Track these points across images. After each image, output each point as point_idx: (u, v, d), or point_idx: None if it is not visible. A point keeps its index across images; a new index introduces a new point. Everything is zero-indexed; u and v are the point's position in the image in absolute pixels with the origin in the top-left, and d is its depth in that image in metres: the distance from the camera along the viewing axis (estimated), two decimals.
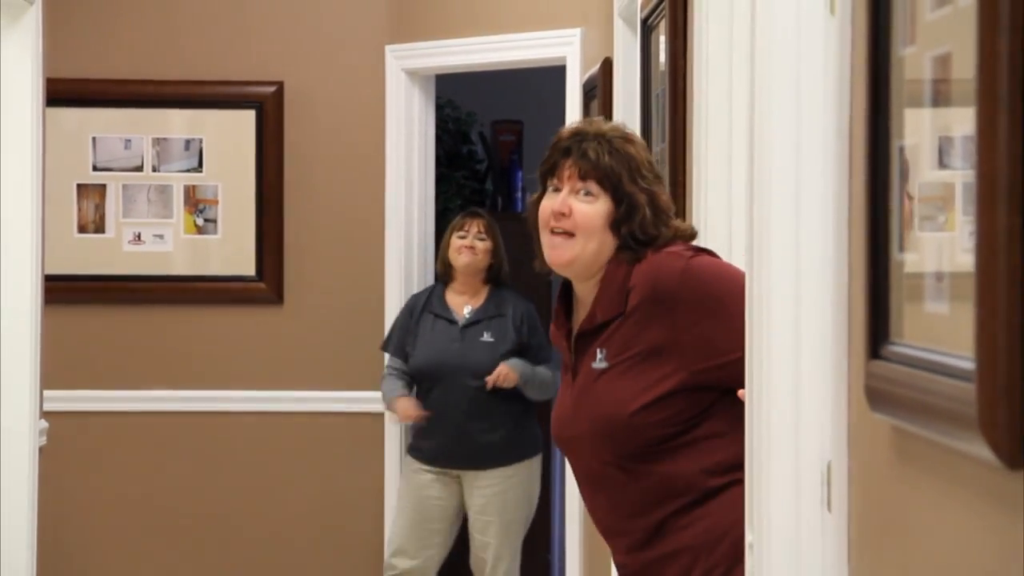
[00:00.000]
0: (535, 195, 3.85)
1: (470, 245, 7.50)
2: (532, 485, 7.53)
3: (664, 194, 3.85)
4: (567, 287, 3.89)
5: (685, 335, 3.70)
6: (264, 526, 7.95)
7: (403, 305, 7.66)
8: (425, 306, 7.54)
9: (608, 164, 3.75)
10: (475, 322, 7.48)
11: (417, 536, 7.52)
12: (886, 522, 2.67)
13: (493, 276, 7.58)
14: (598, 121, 3.94)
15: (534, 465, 7.53)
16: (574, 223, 3.74)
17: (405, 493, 7.56)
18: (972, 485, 2.20)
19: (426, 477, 7.50)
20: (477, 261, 7.50)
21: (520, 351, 7.43)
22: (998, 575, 2.11)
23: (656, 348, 3.70)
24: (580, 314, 3.85)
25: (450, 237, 7.56)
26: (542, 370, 7.41)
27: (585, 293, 3.84)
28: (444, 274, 7.59)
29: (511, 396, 7.39)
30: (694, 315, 3.70)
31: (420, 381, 7.47)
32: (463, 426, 7.38)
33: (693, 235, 3.88)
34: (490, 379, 7.33)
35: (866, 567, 2.80)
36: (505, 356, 7.38)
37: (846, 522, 2.91)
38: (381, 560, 7.77)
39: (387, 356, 7.62)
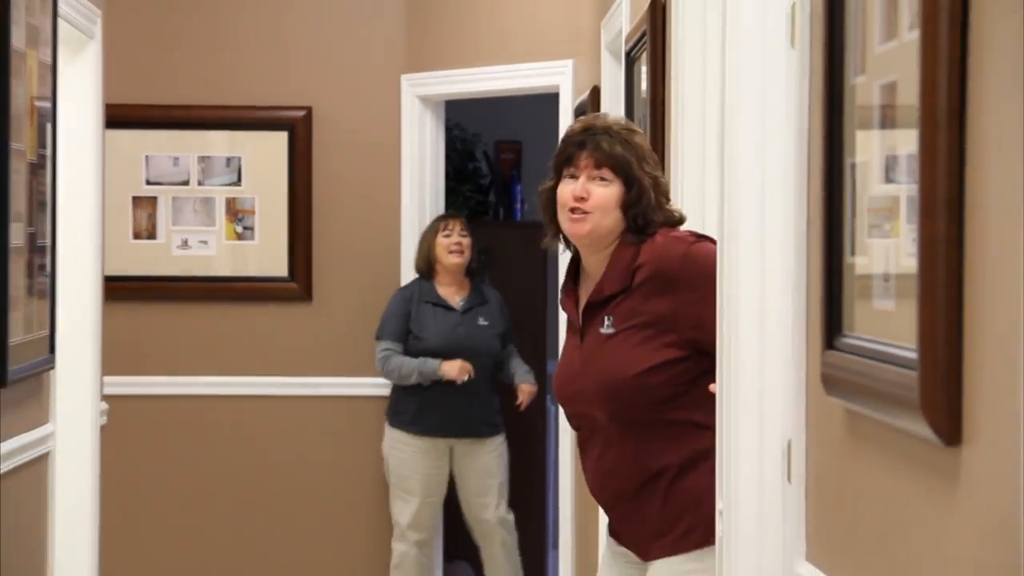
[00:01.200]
0: (548, 183, 3.88)
1: (457, 243, 7.51)
2: (505, 454, 7.63)
3: (663, 178, 3.92)
4: (575, 261, 3.92)
5: (683, 310, 3.74)
6: (293, 492, 7.95)
7: (394, 299, 7.61)
8: (420, 297, 7.53)
9: (620, 153, 3.81)
10: (469, 308, 7.53)
11: (427, 509, 7.53)
12: (839, 492, 2.66)
13: (472, 269, 7.63)
14: (604, 116, 3.98)
15: (504, 438, 7.62)
16: (593, 204, 3.79)
17: (412, 468, 7.52)
18: (914, 459, 2.20)
19: (424, 452, 7.47)
20: (464, 261, 7.53)
21: (506, 332, 7.54)
22: (937, 537, 2.11)
23: (658, 319, 3.74)
24: (588, 285, 3.89)
25: (435, 237, 7.54)
26: (525, 367, 7.68)
27: (593, 267, 3.87)
28: (427, 270, 7.57)
29: (493, 376, 7.49)
30: (692, 294, 3.74)
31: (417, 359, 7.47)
32: (466, 399, 7.41)
33: (682, 219, 3.92)
34: (522, 395, 7.62)
35: (821, 531, 2.80)
36: (498, 336, 7.51)
37: (804, 492, 2.91)
38: (389, 520, 7.75)
39: (382, 342, 7.54)
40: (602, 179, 3.81)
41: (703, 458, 3.73)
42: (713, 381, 3.68)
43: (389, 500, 7.64)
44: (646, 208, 3.80)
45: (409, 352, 7.46)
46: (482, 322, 7.49)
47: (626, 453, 3.82)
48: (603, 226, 3.80)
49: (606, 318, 3.80)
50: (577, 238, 3.86)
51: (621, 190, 3.80)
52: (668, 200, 3.88)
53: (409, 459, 7.52)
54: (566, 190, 3.83)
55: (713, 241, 3.90)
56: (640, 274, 3.77)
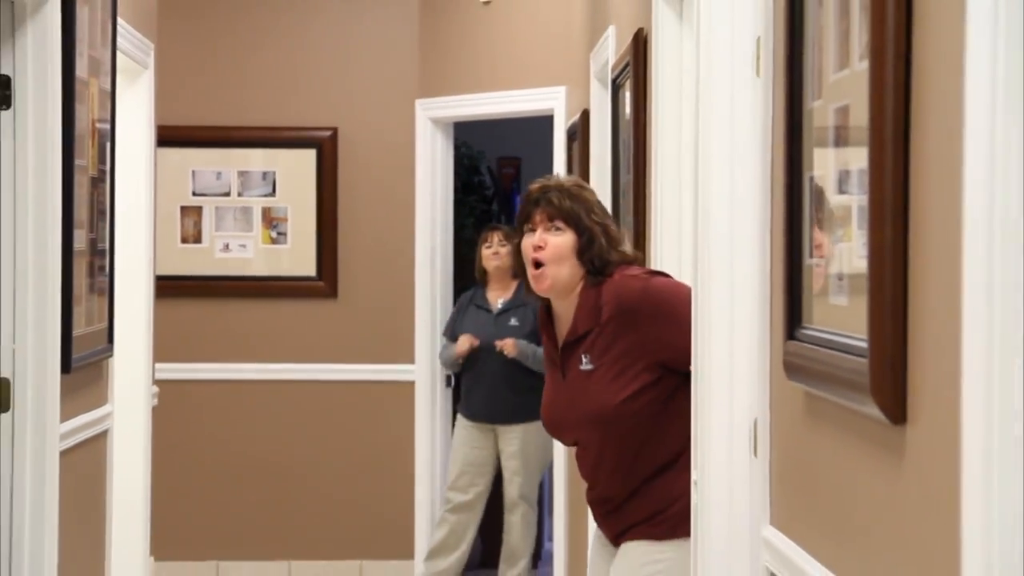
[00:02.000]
0: (515, 240, 3.89)
1: (495, 252, 7.56)
2: (539, 438, 7.56)
3: (613, 226, 3.89)
4: (548, 307, 3.91)
5: (649, 339, 3.74)
6: (321, 467, 7.96)
7: (457, 302, 7.77)
8: (471, 300, 7.66)
9: (569, 206, 3.81)
10: (505, 311, 7.56)
11: (467, 475, 7.58)
12: (799, 464, 2.67)
13: (518, 272, 7.61)
14: (556, 176, 4.00)
15: (540, 425, 7.58)
16: (548, 253, 3.79)
17: (457, 445, 7.63)
18: (865, 436, 2.20)
19: (471, 430, 7.59)
20: (503, 264, 7.54)
21: (535, 333, 7.50)
22: (885, 504, 2.11)
23: (628, 350, 3.74)
24: (562, 327, 3.88)
25: (480, 250, 7.66)
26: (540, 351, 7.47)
27: (563, 311, 3.86)
28: (482, 278, 7.66)
29: (528, 373, 7.46)
30: (654, 324, 3.74)
31: (468, 356, 7.52)
32: (496, 389, 7.45)
33: (636, 258, 3.92)
34: (498, 343, 7.43)
35: (783, 499, 2.80)
36: (526, 335, 7.46)
37: (768, 465, 2.91)
38: (411, 490, 7.80)
39: (443, 339, 7.77)
40: (556, 229, 3.81)
41: (678, 460, 3.74)
42: (680, 398, 3.71)
43: None
44: (599, 252, 3.79)
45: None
46: (513, 322, 7.52)
47: (620, 466, 3.83)
48: (561, 277, 3.80)
49: (583, 356, 3.80)
50: (542, 293, 3.86)
51: (574, 238, 3.79)
52: (619, 244, 3.87)
53: (460, 437, 7.64)
54: (527, 243, 3.85)
55: (665, 275, 3.93)
56: (605, 311, 3.77)
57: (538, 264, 3.80)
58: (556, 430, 4.03)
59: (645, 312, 3.74)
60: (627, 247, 3.94)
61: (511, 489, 7.58)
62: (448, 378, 8.01)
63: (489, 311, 7.57)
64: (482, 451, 7.56)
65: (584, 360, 3.79)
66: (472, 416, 7.57)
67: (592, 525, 4.11)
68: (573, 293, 3.82)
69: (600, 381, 3.77)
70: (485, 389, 7.50)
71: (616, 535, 3.86)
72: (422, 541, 7.89)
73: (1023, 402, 1.64)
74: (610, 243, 3.82)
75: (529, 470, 7.55)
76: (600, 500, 3.91)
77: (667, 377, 3.76)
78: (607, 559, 3.93)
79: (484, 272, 7.63)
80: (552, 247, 3.79)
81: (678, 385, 3.75)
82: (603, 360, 3.76)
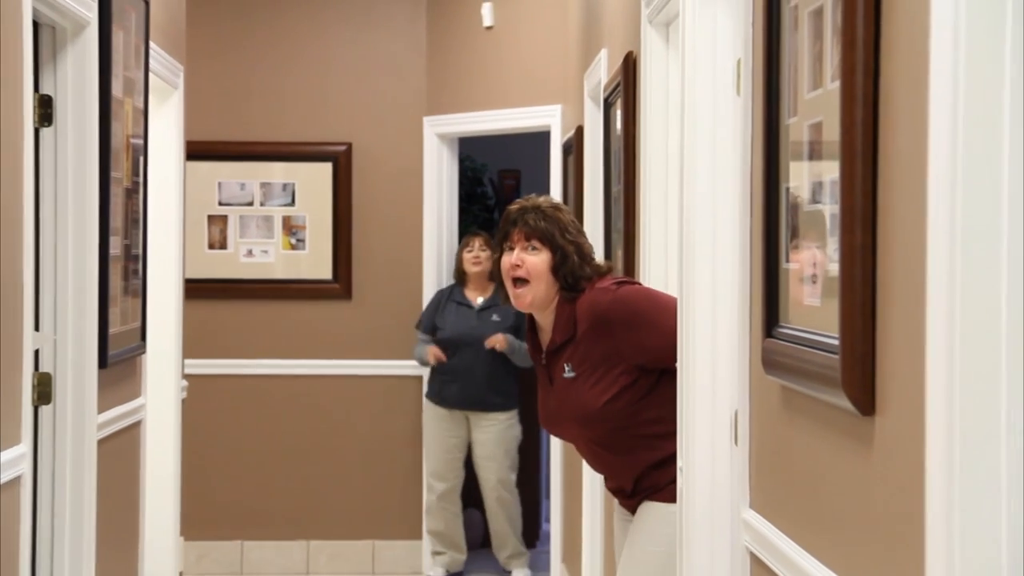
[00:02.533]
0: (496, 256, 3.90)
1: (476, 256, 7.54)
2: (513, 428, 7.57)
3: (586, 243, 3.88)
4: (531, 318, 3.92)
5: (623, 344, 3.75)
6: (336, 454, 7.95)
7: (431, 299, 7.69)
8: (449, 298, 7.59)
9: (544, 227, 3.81)
10: (486, 308, 7.53)
11: (445, 463, 7.55)
12: (776, 452, 2.66)
13: (494, 276, 7.61)
14: (534, 198, 3.94)
15: (515, 415, 7.58)
16: (526, 270, 3.80)
17: (433, 433, 7.58)
18: (837, 426, 2.20)
19: (446, 419, 7.54)
20: (484, 268, 7.54)
21: (516, 327, 7.50)
22: (855, 489, 2.11)
23: (605, 357, 3.75)
24: (544, 337, 3.88)
25: (462, 253, 7.63)
26: (524, 346, 7.49)
27: (545, 322, 3.86)
28: (459, 278, 7.62)
29: (506, 362, 7.46)
30: (626, 329, 3.75)
31: (448, 347, 7.49)
32: (474, 380, 7.43)
33: (609, 269, 3.93)
34: (489, 341, 7.38)
35: (762, 484, 2.80)
36: (507, 330, 7.43)
37: (748, 453, 2.91)
38: (419, 474, 7.79)
39: (417, 332, 7.65)
40: (533, 248, 3.81)
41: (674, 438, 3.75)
42: (659, 393, 3.72)
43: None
44: (572, 268, 3.79)
45: (436, 341, 7.51)
46: (495, 318, 7.50)
47: (615, 461, 3.84)
48: (540, 293, 3.80)
49: (565, 365, 3.80)
50: (521, 308, 3.86)
51: (548, 256, 3.80)
52: (591, 259, 3.85)
53: (433, 425, 7.56)
54: (506, 260, 3.85)
55: (633, 283, 3.94)
56: (580, 325, 3.77)
57: (517, 282, 3.80)
58: (553, 430, 4.05)
59: (617, 321, 3.75)
60: (599, 261, 3.93)
61: (488, 475, 7.55)
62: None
63: (471, 307, 7.55)
64: (457, 438, 7.56)
65: (567, 368, 3.80)
66: (448, 404, 7.52)
67: (615, 501, 4.12)
68: (551, 306, 3.82)
69: (583, 387, 3.77)
70: (463, 380, 7.46)
71: (635, 508, 3.88)
72: None
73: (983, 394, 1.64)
74: (583, 260, 3.81)
75: (503, 456, 7.54)
76: (616, 490, 3.95)
77: (644, 376, 3.77)
78: (622, 526, 3.97)
79: (463, 274, 7.61)
80: (529, 265, 3.80)
81: (657, 379, 3.75)
82: (583, 368, 3.78)
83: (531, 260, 3.80)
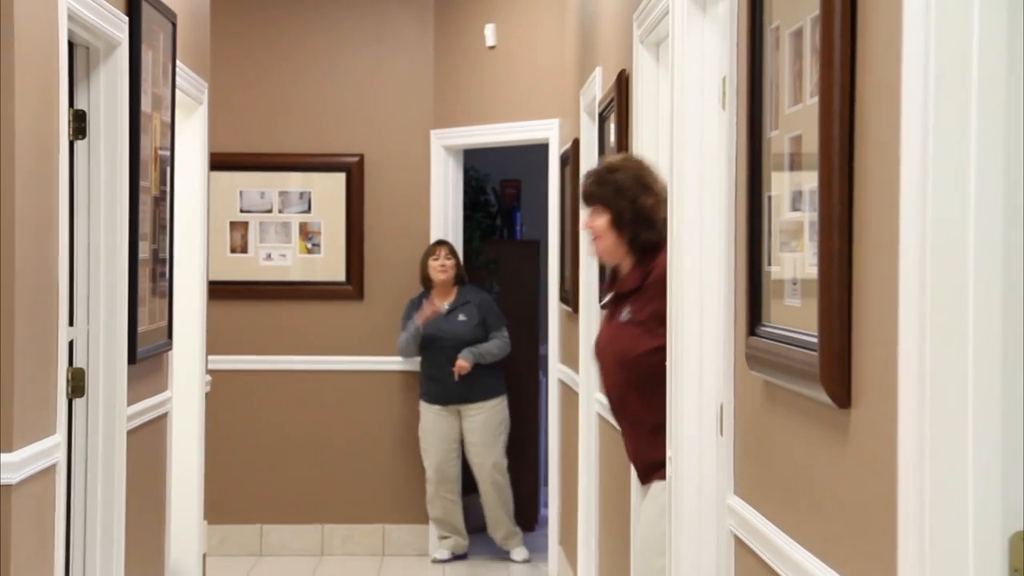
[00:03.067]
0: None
1: (442, 264, 7.56)
2: (503, 413, 7.57)
3: (648, 201, 3.87)
4: (615, 268, 4.00)
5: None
6: (348, 444, 7.95)
7: (407, 304, 7.71)
8: (419, 304, 7.60)
9: (596, 191, 3.90)
10: (452, 310, 7.55)
11: (443, 455, 7.56)
12: (758, 443, 2.67)
13: (459, 280, 7.65)
14: (603, 159, 4.07)
15: (502, 401, 7.58)
16: (594, 230, 3.91)
17: (429, 428, 7.59)
18: (815, 418, 2.20)
19: (440, 414, 7.56)
20: (449, 277, 7.56)
21: (482, 323, 7.48)
22: (832, 476, 2.11)
23: (655, 315, 3.79)
24: (620, 283, 3.96)
25: (427, 260, 7.65)
26: (487, 346, 7.52)
27: (623, 270, 3.93)
28: (426, 285, 7.64)
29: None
30: None
31: (423, 348, 7.54)
32: (450, 376, 7.45)
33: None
34: (455, 371, 7.43)
35: (745, 472, 2.80)
36: (474, 327, 7.47)
37: (732, 443, 2.91)
38: (418, 462, 7.79)
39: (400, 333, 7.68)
40: (593, 211, 3.91)
41: None
42: None
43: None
44: (632, 225, 3.84)
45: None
46: (461, 318, 7.54)
47: (636, 407, 3.84)
48: (608, 246, 3.89)
49: (625, 309, 3.87)
50: (598, 258, 4.06)
51: (607, 216, 3.87)
52: (651, 217, 3.86)
53: (428, 421, 7.58)
54: (582, 220, 4.00)
55: None
56: (651, 277, 3.84)
57: (594, 239, 3.92)
58: (598, 361, 4.07)
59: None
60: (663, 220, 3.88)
61: (483, 461, 7.56)
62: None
63: (438, 312, 7.58)
64: (450, 430, 7.58)
65: (625, 313, 3.86)
66: (438, 401, 7.55)
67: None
68: (626, 259, 3.88)
69: (631, 332, 3.84)
70: (443, 378, 7.50)
71: (640, 474, 3.91)
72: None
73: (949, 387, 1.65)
74: (638, 217, 3.84)
75: (493, 441, 7.56)
76: (631, 457, 3.96)
77: None
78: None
79: (429, 281, 7.62)
80: (592, 226, 3.91)
81: None
82: (638, 317, 3.83)
83: (594, 221, 3.90)
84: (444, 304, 7.58)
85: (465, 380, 7.48)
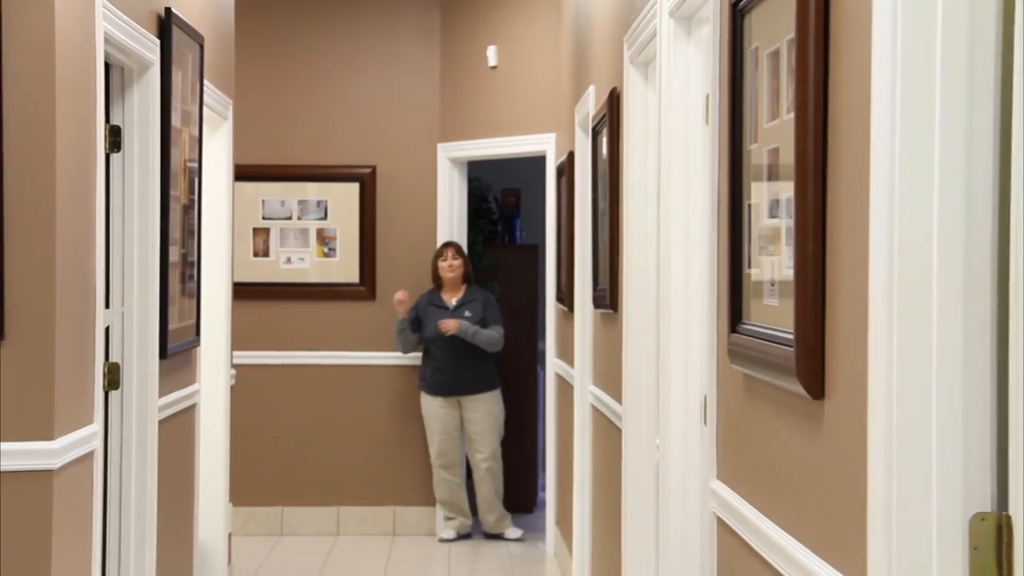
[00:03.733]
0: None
1: (450, 264, 7.56)
2: (497, 405, 7.55)
3: None
4: None
5: None
6: (363, 432, 7.95)
7: (416, 301, 7.69)
8: (429, 301, 7.62)
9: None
10: (459, 306, 7.56)
11: (447, 443, 7.57)
12: (739, 432, 2.67)
13: (466, 278, 7.64)
14: None
15: (498, 393, 7.57)
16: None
17: (433, 420, 7.58)
18: (791, 409, 2.20)
19: (443, 406, 7.56)
20: (457, 275, 7.56)
21: (482, 320, 7.50)
22: (807, 462, 2.11)
23: None
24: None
25: (436, 261, 7.64)
26: (486, 332, 7.48)
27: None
28: (437, 283, 7.64)
29: (479, 353, 7.45)
30: None
31: (431, 343, 7.53)
32: (456, 368, 7.48)
33: None
34: (441, 324, 7.42)
35: (727, 459, 2.80)
36: (478, 323, 7.46)
37: (715, 431, 2.91)
38: (426, 449, 7.79)
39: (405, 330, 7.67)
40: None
41: None
42: None
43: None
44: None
45: (422, 338, 7.56)
46: (467, 314, 7.54)
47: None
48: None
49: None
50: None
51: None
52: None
53: (430, 411, 7.58)
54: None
55: None
56: None
57: None
58: None
59: None
60: None
61: (481, 448, 7.56)
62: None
63: (446, 308, 7.58)
64: (453, 420, 7.58)
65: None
66: (440, 393, 7.53)
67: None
68: None
69: None
70: (448, 370, 7.49)
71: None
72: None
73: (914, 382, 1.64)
74: None
75: (491, 431, 7.56)
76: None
77: None
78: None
79: (439, 280, 7.62)
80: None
81: None
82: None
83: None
84: (452, 300, 7.58)
85: (464, 373, 7.46)
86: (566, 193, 6.53)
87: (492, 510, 7.64)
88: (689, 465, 3.61)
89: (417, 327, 7.60)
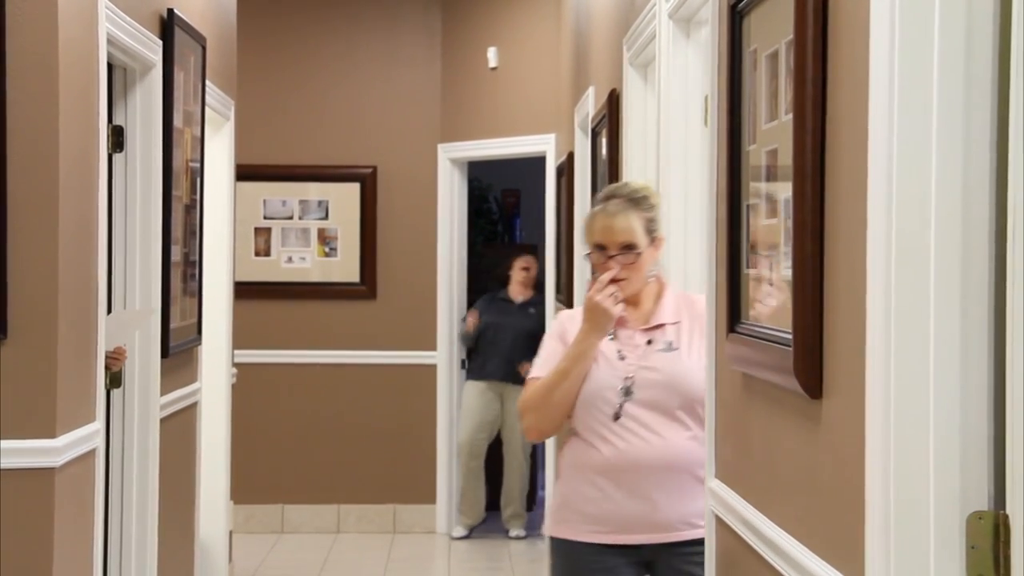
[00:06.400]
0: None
1: (526, 267, 7.84)
2: None
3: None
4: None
5: None
6: (362, 431, 7.95)
7: (476, 306, 7.86)
8: (493, 299, 7.83)
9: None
10: (524, 304, 7.76)
11: (481, 431, 7.67)
12: (737, 431, 2.66)
13: (535, 284, 7.85)
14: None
15: None
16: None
17: (471, 406, 7.67)
18: (790, 408, 2.20)
19: (485, 393, 7.69)
20: (531, 276, 7.82)
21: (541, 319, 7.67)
22: (805, 461, 2.11)
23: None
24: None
25: (512, 262, 7.87)
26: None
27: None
28: (503, 283, 7.83)
29: (533, 346, 7.48)
30: None
31: (491, 330, 7.69)
32: (509, 357, 7.62)
33: None
34: (468, 316, 7.77)
35: (726, 457, 2.80)
36: (536, 322, 7.56)
37: (714, 431, 2.91)
38: (433, 449, 7.81)
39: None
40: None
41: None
42: None
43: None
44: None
45: (485, 325, 7.75)
46: (531, 311, 7.71)
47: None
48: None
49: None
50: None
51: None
52: None
53: (471, 398, 7.72)
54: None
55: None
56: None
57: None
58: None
59: None
60: None
61: (514, 442, 7.66)
62: (462, 362, 8.02)
63: (512, 302, 7.78)
64: (491, 412, 7.67)
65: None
66: (487, 377, 7.67)
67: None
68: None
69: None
70: (500, 357, 7.63)
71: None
72: (443, 490, 7.89)
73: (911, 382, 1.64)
74: None
75: None
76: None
77: None
78: None
79: (507, 280, 7.82)
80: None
81: None
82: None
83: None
84: (518, 298, 7.82)
85: (513, 363, 7.56)
86: (566, 193, 6.53)
87: (511, 503, 7.71)
88: None
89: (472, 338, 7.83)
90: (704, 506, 2.91)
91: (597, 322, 3.03)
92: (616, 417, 3.03)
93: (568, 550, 3.05)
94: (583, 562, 3.02)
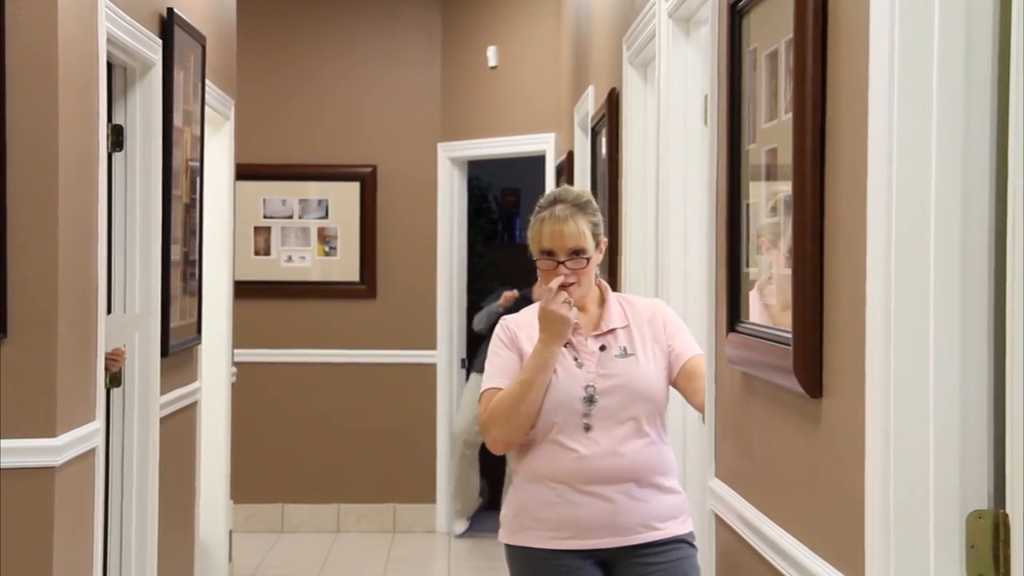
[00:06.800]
0: None
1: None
2: None
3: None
4: None
5: None
6: (362, 430, 7.95)
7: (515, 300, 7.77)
8: (521, 302, 7.79)
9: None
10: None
11: (477, 416, 7.65)
12: (738, 430, 2.66)
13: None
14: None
15: None
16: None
17: (471, 394, 7.58)
18: (789, 408, 2.20)
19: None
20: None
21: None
22: (805, 461, 2.11)
23: None
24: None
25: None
26: None
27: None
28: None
29: None
30: None
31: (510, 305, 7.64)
32: None
33: None
34: (506, 292, 7.60)
35: (726, 457, 2.80)
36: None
37: (714, 430, 2.91)
38: (433, 448, 7.80)
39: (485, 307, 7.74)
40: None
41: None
42: None
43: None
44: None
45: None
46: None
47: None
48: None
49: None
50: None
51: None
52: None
53: (471, 389, 7.61)
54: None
55: None
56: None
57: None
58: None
59: None
60: None
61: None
62: (462, 361, 8.02)
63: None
64: None
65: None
66: None
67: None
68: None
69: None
70: None
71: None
72: (443, 490, 7.89)
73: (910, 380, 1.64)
74: None
75: None
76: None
77: None
78: None
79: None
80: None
81: None
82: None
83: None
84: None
85: None
86: None
87: None
88: (689, 463, 3.61)
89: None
90: (664, 509, 2.95)
91: (556, 329, 2.98)
92: (587, 428, 2.96)
93: (528, 556, 3.01)
94: (545, 567, 2.99)
